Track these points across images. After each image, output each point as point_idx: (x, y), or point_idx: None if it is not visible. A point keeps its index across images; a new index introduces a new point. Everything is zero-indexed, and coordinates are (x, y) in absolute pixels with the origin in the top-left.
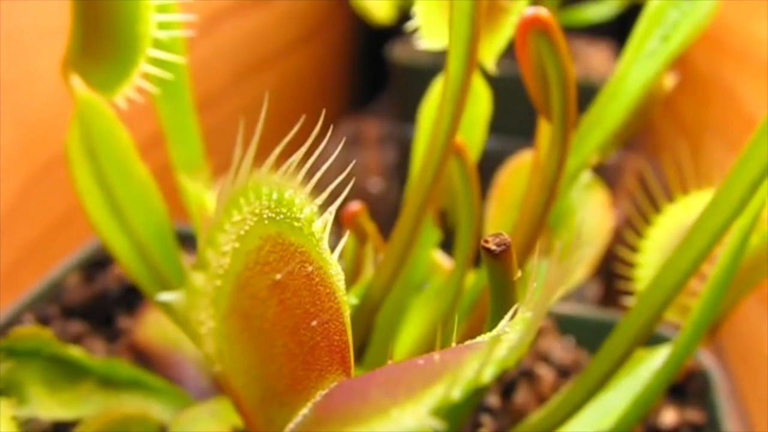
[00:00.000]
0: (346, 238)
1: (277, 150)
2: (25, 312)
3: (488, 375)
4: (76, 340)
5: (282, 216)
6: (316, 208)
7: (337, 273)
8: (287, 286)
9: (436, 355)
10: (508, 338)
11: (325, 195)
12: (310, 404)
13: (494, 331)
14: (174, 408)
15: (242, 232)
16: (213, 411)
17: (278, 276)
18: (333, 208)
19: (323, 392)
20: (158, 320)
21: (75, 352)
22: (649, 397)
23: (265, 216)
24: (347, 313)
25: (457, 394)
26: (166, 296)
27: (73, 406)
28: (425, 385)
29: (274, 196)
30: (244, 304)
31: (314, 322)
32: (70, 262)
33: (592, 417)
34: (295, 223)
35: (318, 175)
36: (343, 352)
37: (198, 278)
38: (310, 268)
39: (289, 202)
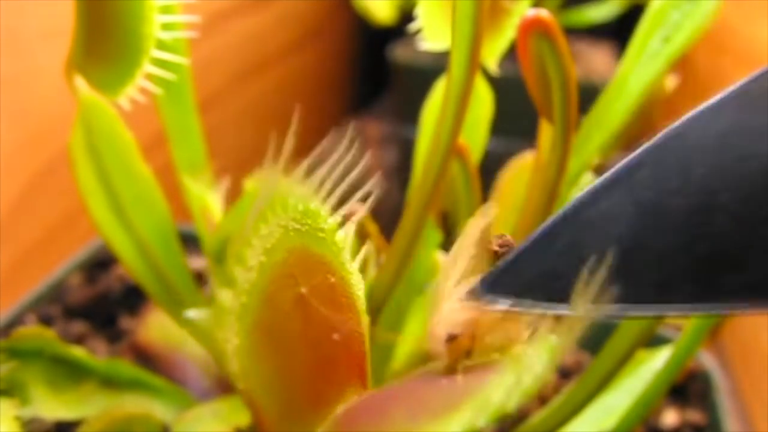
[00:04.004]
0: (365, 249)
1: (306, 162)
2: (27, 312)
3: (514, 404)
4: (79, 340)
5: (307, 227)
6: (339, 218)
7: (357, 282)
8: (311, 299)
9: (459, 377)
10: (532, 363)
11: (349, 204)
12: (329, 420)
13: (517, 355)
14: (176, 408)
15: (268, 246)
16: (215, 411)
17: (303, 289)
18: (356, 218)
19: (342, 407)
20: (161, 321)
21: (77, 352)
22: (651, 397)
23: (290, 228)
24: (366, 324)
25: (482, 422)
26: (192, 314)
27: (75, 406)
28: (449, 409)
29: (300, 207)
30: (268, 319)
31: (336, 335)
32: (72, 262)
33: (594, 417)
34: (320, 234)
35: (343, 183)
36: (361, 364)
37: (225, 295)
38: (332, 280)
39: (314, 212)
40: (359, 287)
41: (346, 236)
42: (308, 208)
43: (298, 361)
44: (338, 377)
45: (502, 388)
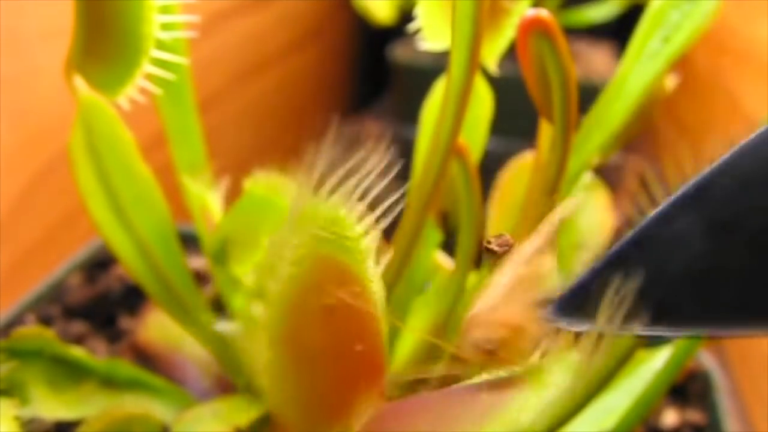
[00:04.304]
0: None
1: (340, 173)
2: (26, 312)
3: (542, 426)
4: (78, 340)
5: (335, 236)
6: (365, 226)
7: (378, 290)
8: (337, 309)
9: (484, 394)
10: (555, 383)
11: (376, 212)
12: None
13: (539, 371)
14: (176, 408)
15: (297, 256)
16: (215, 411)
17: (330, 300)
18: (381, 226)
19: (364, 419)
20: (160, 321)
21: (77, 352)
22: (650, 397)
23: (320, 237)
24: (386, 333)
25: None
26: (223, 326)
27: (75, 406)
28: (473, 427)
29: (330, 215)
30: (294, 331)
31: (359, 347)
32: (72, 262)
33: (594, 417)
34: (347, 243)
35: (373, 191)
36: (381, 374)
37: (256, 308)
38: (357, 290)
39: (342, 221)
40: (380, 294)
41: (370, 245)
42: (337, 216)
43: (321, 373)
44: (360, 389)
45: (530, 408)
